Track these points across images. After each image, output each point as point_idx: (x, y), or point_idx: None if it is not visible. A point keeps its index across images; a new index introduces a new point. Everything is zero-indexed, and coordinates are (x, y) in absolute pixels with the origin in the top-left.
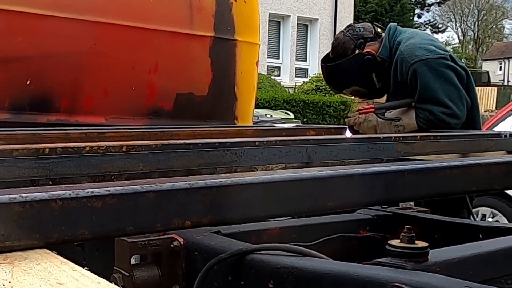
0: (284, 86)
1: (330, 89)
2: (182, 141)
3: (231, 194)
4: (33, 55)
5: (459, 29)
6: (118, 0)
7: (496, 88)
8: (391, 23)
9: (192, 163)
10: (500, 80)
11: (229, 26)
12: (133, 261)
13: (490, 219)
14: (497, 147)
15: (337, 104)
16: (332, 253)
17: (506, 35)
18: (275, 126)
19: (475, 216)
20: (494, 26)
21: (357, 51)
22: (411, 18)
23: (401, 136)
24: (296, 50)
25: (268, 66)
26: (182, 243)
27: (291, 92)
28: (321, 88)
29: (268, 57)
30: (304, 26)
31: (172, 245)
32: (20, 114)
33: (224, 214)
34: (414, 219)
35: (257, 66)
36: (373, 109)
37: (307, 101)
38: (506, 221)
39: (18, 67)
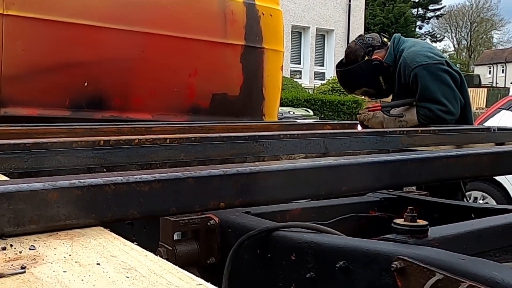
0: (305, 87)
1: (343, 90)
2: (217, 135)
3: (259, 180)
4: (90, 61)
5: (454, 39)
6: (163, 14)
7: (486, 89)
8: (395, 34)
9: (225, 153)
10: (489, 82)
11: (258, 36)
12: (175, 237)
13: (481, 201)
14: (486, 139)
15: (350, 103)
16: (346, 230)
17: (495, 43)
18: (297, 121)
19: (468, 198)
20: (484, 36)
21: (366, 58)
22: (413, 29)
23: (405, 130)
24: (315, 57)
25: (291, 70)
26: (217, 221)
27: (310, 93)
28: (336, 89)
29: (291, 63)
30: (321, 36)
31: (209, 224)
32: (78, 111)
33: (253, 197)
34: (416, 201)
35: (282, 70)
36: (380, 107)
37: (324, 100)
38: (495, 203)
39: (77, 71)
